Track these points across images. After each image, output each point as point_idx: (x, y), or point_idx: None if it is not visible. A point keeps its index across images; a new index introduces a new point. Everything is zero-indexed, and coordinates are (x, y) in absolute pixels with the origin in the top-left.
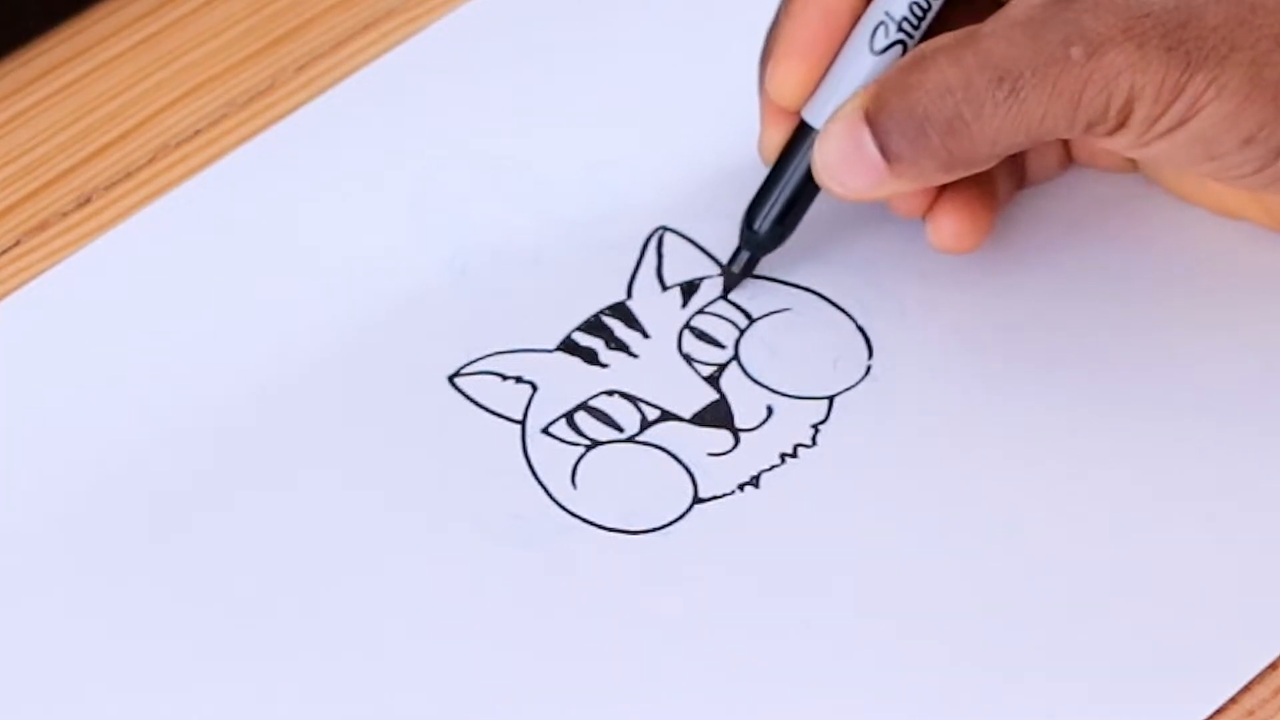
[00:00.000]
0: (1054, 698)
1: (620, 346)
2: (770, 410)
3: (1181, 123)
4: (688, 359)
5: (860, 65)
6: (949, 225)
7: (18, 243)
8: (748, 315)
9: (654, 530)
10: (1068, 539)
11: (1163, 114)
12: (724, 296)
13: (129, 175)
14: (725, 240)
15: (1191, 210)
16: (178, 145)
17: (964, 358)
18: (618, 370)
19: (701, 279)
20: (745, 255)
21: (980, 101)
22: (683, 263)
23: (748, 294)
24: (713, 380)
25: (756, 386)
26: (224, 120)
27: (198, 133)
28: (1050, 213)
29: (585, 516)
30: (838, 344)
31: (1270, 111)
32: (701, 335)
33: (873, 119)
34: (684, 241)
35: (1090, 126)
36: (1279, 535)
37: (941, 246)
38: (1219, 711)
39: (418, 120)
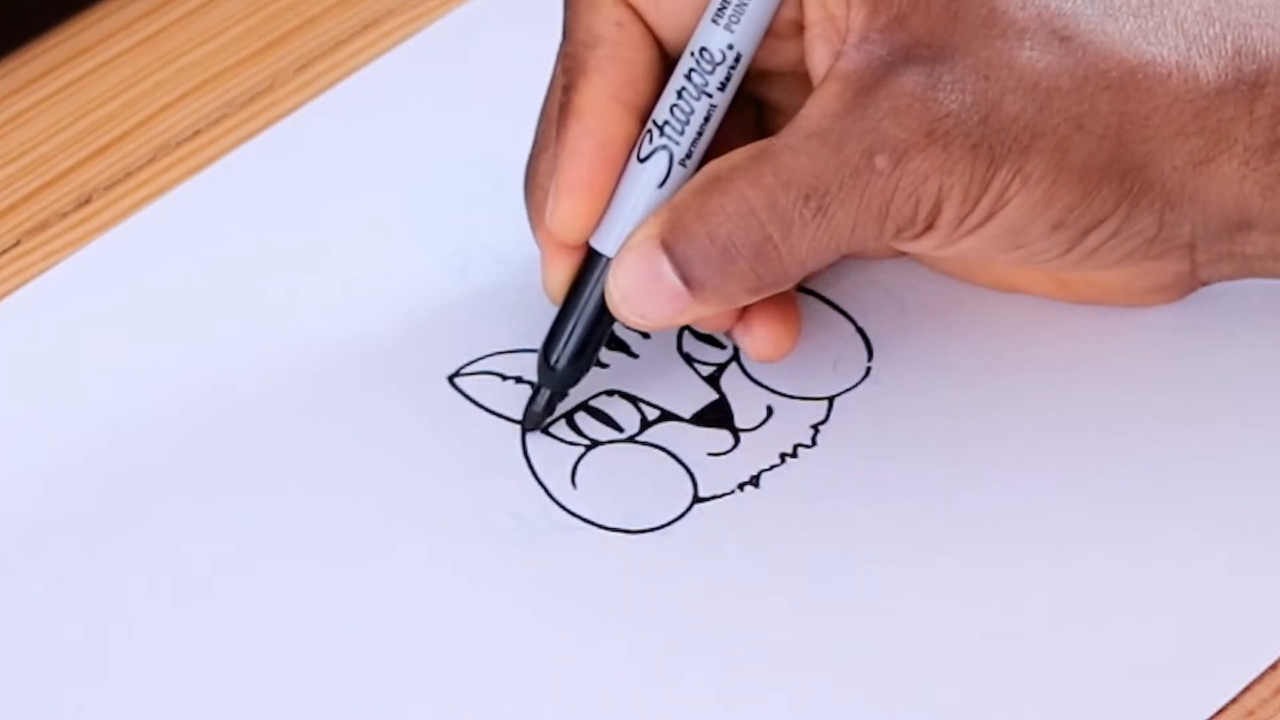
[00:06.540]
0: (1054, 698)
1: (620, 346)
2: (770, 410)
3: (989, 217)
4: (688, 358)
5: (642, 185)
6: (764, 334)
7: (18, 243)
8: None
9: (654, 530)
10: (1067, 539)
11: (970, 211)
12: (526, 432)
13: (129, 175)
14: None
15: None
16: (178, 145)
17: (964, 359)
18: (618, 370)
19: None
20: (546, 393)
21: (788, 221)
22: None
23: None
24: (713, 380)
25: (756, 386)
26: (224, 120)
27: (198, 133)
28: None
29: (585, 516)
30: (838, 345)
31: (1077, 194)
32: (701, 334)
33: (671, 246)
34: None
35: (899, 233)
36: (1279, 535)
37: (761, 356)
38: (1219, 711)
39: (418, 120)
